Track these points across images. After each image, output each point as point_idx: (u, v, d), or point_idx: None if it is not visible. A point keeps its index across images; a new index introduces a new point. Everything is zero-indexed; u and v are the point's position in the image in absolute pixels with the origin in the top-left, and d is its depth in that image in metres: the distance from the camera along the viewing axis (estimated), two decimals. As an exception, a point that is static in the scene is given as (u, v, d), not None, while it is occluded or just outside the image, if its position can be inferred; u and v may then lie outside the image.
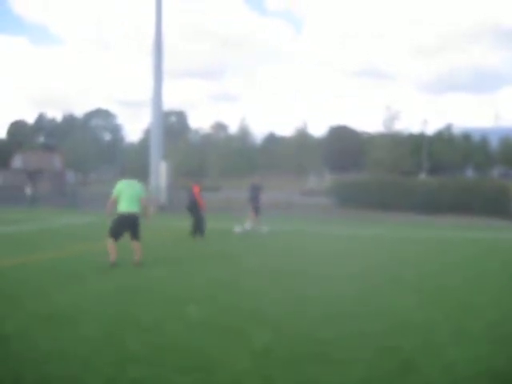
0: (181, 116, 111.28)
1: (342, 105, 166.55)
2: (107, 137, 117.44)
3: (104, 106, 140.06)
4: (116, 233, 11.62)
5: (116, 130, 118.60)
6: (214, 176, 69.38)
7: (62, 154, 73.16)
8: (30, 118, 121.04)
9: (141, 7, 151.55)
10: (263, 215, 21.36)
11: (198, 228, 17.05)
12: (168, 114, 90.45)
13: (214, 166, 70.31)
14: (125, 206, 11.61)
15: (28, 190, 37.21)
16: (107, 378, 5.10)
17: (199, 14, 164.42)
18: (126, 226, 11.72)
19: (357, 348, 6.11)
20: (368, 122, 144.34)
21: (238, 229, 19.78)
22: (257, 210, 20.40)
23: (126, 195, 11.66)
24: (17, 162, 55.89)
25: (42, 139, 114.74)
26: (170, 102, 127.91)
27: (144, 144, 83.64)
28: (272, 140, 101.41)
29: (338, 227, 22.94)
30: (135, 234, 11.79)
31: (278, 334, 6.60)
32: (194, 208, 17.19)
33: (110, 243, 11.54)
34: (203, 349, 5.98)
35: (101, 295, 8.72)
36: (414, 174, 58.68)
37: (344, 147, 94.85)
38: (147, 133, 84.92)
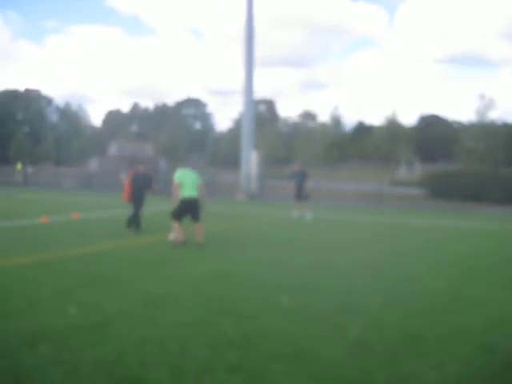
0: (270, 105, 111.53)
1: (433, 93, 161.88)
2: (197, 125, 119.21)
3: (194, 95, 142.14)
4: (179, 216, 12.86)
5: (206, 119, 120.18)
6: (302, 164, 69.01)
7: (154, 142, 74.87)
8: (125, 108, 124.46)
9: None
10: (311, 202, 21.77)
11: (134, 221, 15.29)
12: (258, 103, 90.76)
13: (302, 155, 70.10)
14: (187, 192, 12.81)
15: (123, 177, 38.32)
16: (204, 363, 5.21)
17: (289, 0, 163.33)
18: (189, 209, 12.88)
19: (451, 343, 5.99)
20: (460, 110, 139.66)
21: (308, 215, 19.97)
22: (302, 196, 20.54)
23: (188, 182, 12.86)
24: (112, 149, 57.52)
25: (135, 128, 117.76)
26: (259, 91, 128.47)
27: (233, 133, 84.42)
28: (361, 129, 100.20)
29: (433, 219, 22.48)
30: (197, 217, 12.93)
31: (372, 326, 6.56)
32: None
33: (176, 225, 12.74)
34: (297, 337, 6.03)
35: (195, 281, 8.91)
36: (508, 165, 56.57)
37: (435, 137, 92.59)
38: (237, 122, 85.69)
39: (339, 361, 5.35)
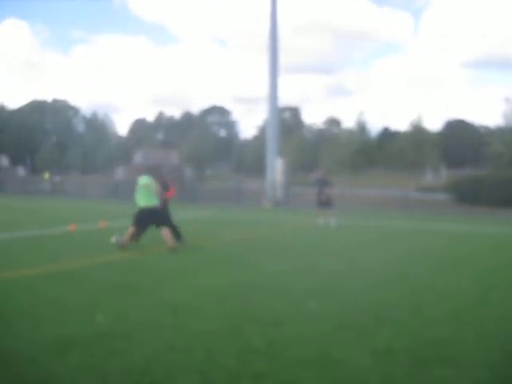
0: (295, 112, 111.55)
1: (459, 98, 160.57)
2: (222, 133, 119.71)
3: (219, 103, 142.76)
4: (138, 223, 13.31)
5: (231, 127, 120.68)
6: (326, 171, 68.75)
7: (179, 151, 75.22)
8: (150, 116, 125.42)
9: (256, 3, 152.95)
10: (335, 208, 21.69)
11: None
12: (282, 110, 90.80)
13: (327, 162, 69.94)
14: (142, 201, 13.30)
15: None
16: (230, 370, 5.23)
17: (314, 7, 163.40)
18: (147, 218, 13.27)
19: (479, 350, 5.91)
20: (487, 115, 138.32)
21: (333, 222, 19.92)
22: (323, 203, 20.55)
23: (143, 190, 13.31)
24: (137, 157, 57.97)
25: (161, 136, 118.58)
26: (284, 98, 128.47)
27: (258, 140, 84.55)
28: (387, 135, 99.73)
29: (456, 224, 22.30)
30: (159, 223, 13.33)
31: (398, 333, 6.51)
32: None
33: (130, 230, 13.27)
34: (323, 343, 6.02)
35: (219, 289, 8.90)
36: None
37: (461, 142, 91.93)
38: (262, 129, 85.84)
39: (365, 368, 5.33)
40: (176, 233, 14.09)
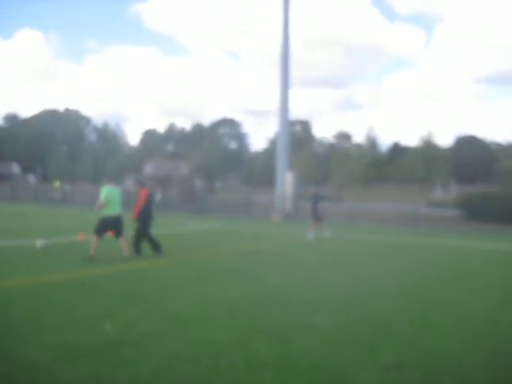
0: (305, 125, 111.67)
1: (470, 113, 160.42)
2: (233, 145, 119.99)
3: (230, 115, 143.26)
4: (102, 232, 13.46)
5: (241, 139, 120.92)
6: (336, 186, 68.90)
7: (189, 162, 75.44)
8: (161, 126, 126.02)
9: (267, 17, 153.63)
10: (327, 222, 22.48)
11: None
12: (293, 124, 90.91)
13: (338, 176, 69.86)
14: (114, 210, 13.49)
15: (158, 196, 38.70)
16: (237, 382, 5.25)
17: (325, 21, 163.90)
18: (113, 226, 13.58)
19: (490, 367, 5.90)
20: (498, 131, 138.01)
21: (327, 234, 20.72)
22: (318, 217, 21.34)
23: (115, 200, 13.52)
24: (148, 168, 58.28)
25: (171, 147, 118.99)
26: (295, 111, 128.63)
27: (269, 153, 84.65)
28: (397, 150, 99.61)
29: (459, 240, 22.24)
30: (121, 232, 13.70)
31: (406, 345, 6.52)
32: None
33: (94, 240, 13.26)
34: (331, 359, 6.02)
35: (226, 301, 8.90)
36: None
37: (472, 158, 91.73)
38: (272, 142, 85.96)
39: (372, 379, 5.33)
40: (155, 245, 14.30)
